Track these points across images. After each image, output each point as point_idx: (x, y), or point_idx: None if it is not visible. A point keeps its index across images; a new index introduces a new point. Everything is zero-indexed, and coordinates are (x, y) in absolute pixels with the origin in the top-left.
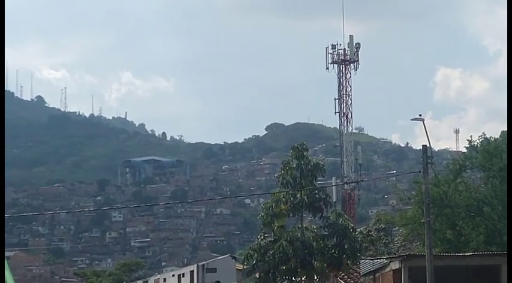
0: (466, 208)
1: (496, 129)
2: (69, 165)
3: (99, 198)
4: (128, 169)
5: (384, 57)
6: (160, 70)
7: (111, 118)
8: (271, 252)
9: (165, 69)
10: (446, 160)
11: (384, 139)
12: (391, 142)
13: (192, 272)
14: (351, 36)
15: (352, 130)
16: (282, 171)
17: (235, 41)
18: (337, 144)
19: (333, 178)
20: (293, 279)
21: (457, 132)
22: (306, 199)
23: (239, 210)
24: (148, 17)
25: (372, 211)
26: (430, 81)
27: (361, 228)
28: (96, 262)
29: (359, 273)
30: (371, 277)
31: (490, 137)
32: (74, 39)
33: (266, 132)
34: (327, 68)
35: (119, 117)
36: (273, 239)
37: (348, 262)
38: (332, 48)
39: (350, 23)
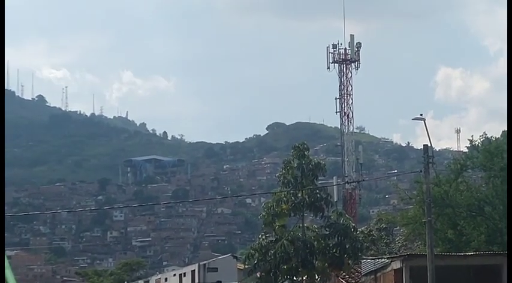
0: (467, 208)
1: (497, 129)
2: (70, 164)
3: (100, 197)
4: (129, 168)
5: (384, 57)
6: (161, 70)
7: (112, 117)
8: (272, 252)
9: (166, 69)
10: (447, 160)
11: (385, 138)
12: (392, 141)
13: (193, 271)
14: (352, 36)
15: (353, 129)
16: (283, 171)
17: (235, 41)
18: (338, 143)
19: (334, 177)
20: (294, 278)
21: (458, 131)
22: (307, 199)
23: (240, 210)
24: (148, 17)
25: (373, 211)
26: (431, 81)
27: (362, 228)
28: (98, 261)
29: (360, 272)
30: (372, 276)
31: (491, 137)
32: (75, 38)
33: (267, 131)
34: (328, 68)
35: (120, 116)
36: (274, 239)
37: (349, 261)
38: (333, 48)
39: (350, 22)
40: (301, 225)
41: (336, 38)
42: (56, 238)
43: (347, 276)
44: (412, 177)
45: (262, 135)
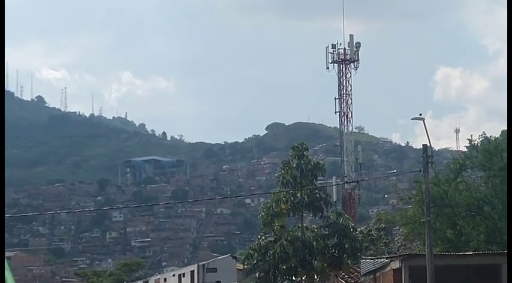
0: (467, 208)
1: (496, 129)
2: (70, 165)
3: (99, 198)
4: (128, 169)
5: (384, 57)
6: (161, 70)
7: (111, 118)
8: (271, 252)
9: (165, 69)
10: (446, 160)
11: (384, 138)
12: (391, 141)
13: (192, 272)
14: (351, 36)
15: (352, 129)
16: (282, 171)
17: (235, 41)
18: (338, 143)
19: (333, 177)
20: (293, 278)
21: (457, 131)
22: (306, 199)
23: (239, 210)
24: (148, 17)
25: (372, 211)
26: (430, 81)
27: (362, 228)
28: (97, 262)
29: (359, 272)
30: (371, 276)
31: (491, 136)
32: (74, 39)
33: (266, 131)
34: (327, 68)
35: (119, 117)
36: (273, 239)
37: (349, 261)
38: (332, 48)
39: (350, 22)
40: (300, 225)
41: (335, 38)
42: (55, 239)
43: (346, 276)
44: (411, 176)
45: (261, 135)
